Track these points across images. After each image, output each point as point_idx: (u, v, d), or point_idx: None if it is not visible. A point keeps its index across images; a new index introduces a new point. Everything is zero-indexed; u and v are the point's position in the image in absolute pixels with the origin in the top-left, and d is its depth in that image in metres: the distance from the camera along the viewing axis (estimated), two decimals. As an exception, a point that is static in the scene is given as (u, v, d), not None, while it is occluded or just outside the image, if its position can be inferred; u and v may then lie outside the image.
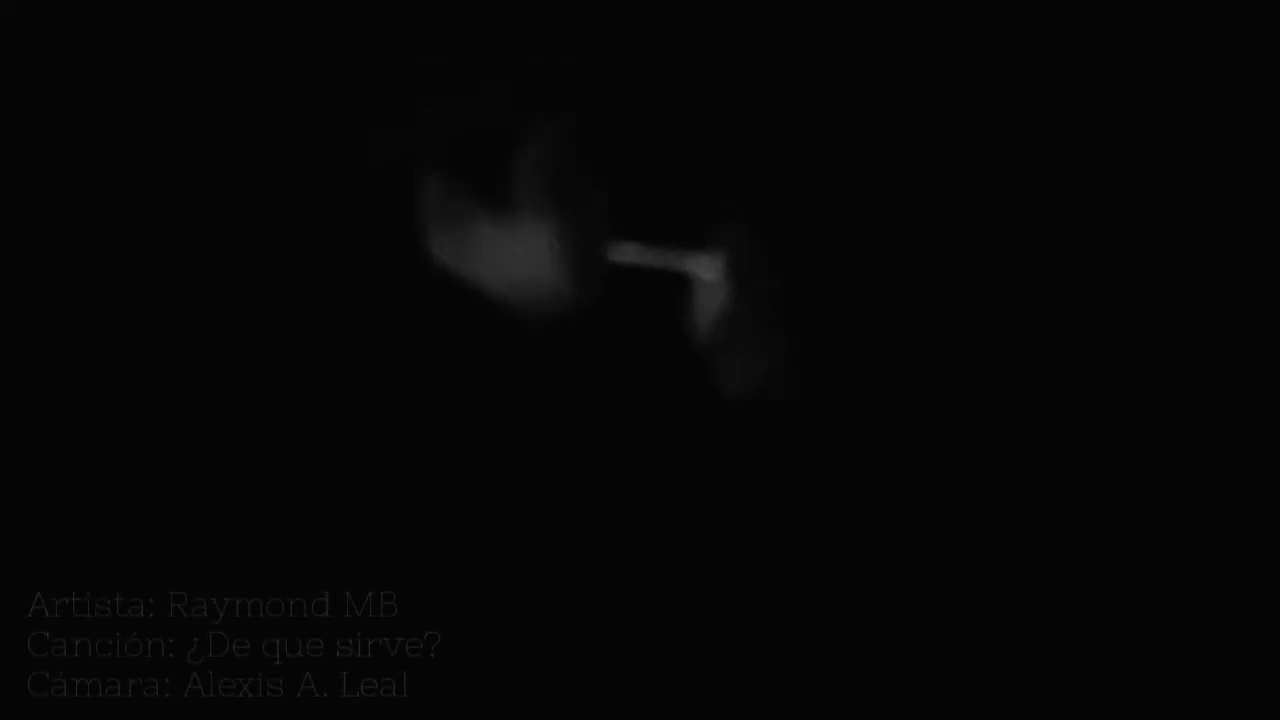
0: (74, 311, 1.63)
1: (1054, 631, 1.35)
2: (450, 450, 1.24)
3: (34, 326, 1.60)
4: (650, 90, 1.55)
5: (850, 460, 1.32)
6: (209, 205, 1.60)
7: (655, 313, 1.37)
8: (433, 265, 1.28)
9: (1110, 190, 1.52)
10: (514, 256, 1.28)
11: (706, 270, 1.34)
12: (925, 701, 1.32)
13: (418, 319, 1.32)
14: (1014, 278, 1.49)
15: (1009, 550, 1.37)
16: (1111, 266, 1.49)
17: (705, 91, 1.64)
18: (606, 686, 1.19)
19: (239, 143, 1.55)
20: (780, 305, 1.33)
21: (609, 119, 1.35)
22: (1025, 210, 1.50)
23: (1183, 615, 1.37)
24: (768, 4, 1.60)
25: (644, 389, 1.33)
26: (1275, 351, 1.47)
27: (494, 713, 1.19)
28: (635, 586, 1.21)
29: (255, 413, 1.56)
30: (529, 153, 1.29)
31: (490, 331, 1.28)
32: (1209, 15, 1.60)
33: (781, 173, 1.63)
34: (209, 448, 1.56)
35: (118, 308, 1.64)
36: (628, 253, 1.33)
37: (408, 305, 1.32)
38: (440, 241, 1.28)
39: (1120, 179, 1.52)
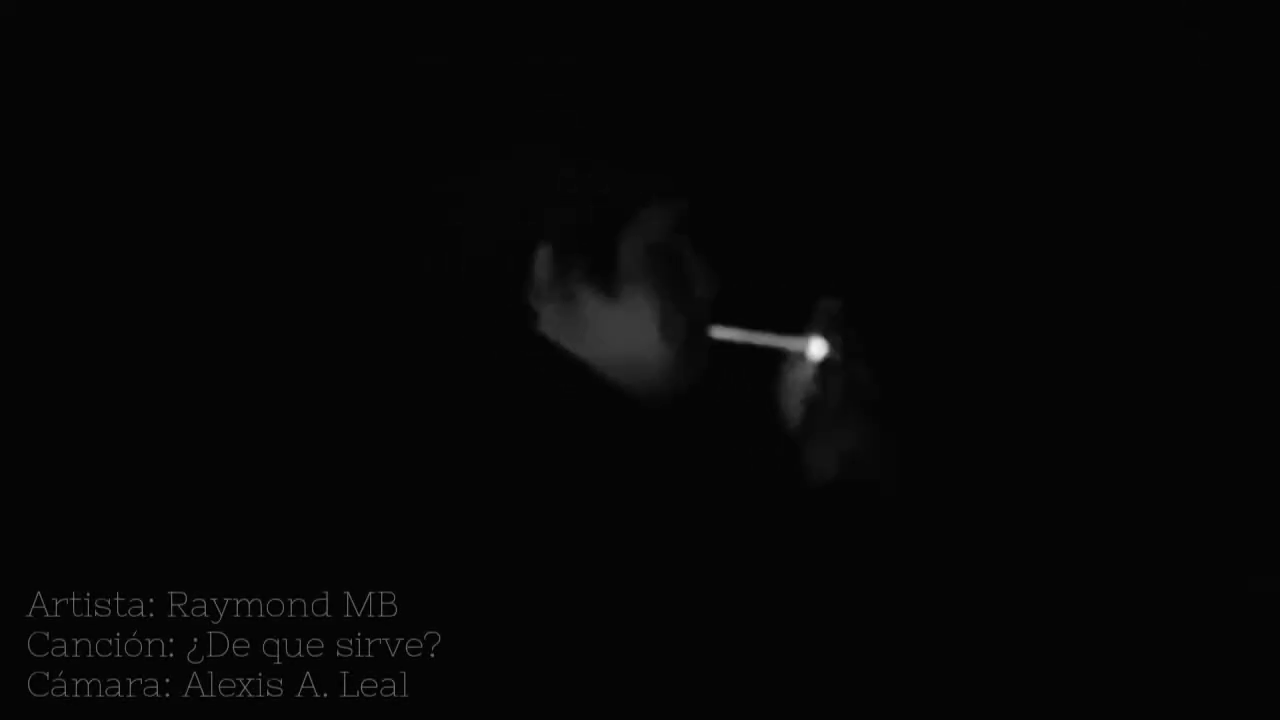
0: (76, 312, 1.63)
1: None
2: (458, 460, 1.24)
3: (37, 327, 1.60)
4: (755, 177, 1.58)
5: (936, 546, 1.33)
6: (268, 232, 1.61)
7: (754, 393, 1.39)
8: (536, 335, 1.30)
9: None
10: (619, 335, 1.30)
11: (805, 351, 1.36)
12: None
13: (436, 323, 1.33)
14: (1107, 369, 1.51)
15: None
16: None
17: (810, 176, 1.66)
18: (606, 687, 1.19)
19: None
20: (874, 390, 1.34)
21: (715, 204, 1.37)
22: (1120, 308, 1.53)
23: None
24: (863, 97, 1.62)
25: (726, 460, 1.35)
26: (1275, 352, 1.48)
27: (494, 713, 1.19)
28: (637, 592, 1.21)
29: (256, 415, 1.55)
30: (637, 234, 1.30)
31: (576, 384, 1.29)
32: (1208, 16, 1.60)
33: (877, 261, 1.65)
34: (209, 449, 1.56)
35: (120, 311, 1.64)
36: (730, 334, 1.36)
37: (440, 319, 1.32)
38: (548, 316, 1.30)
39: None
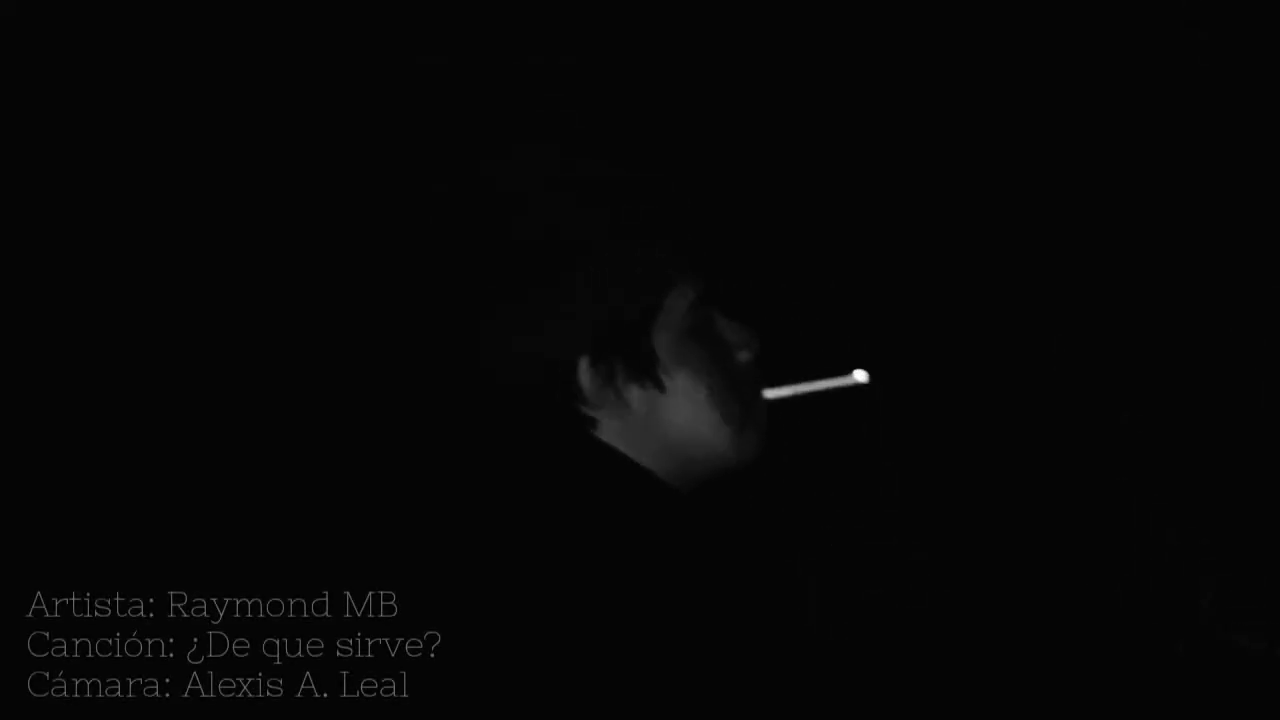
0: (75, 314, 1.63)
1: None
2: (455, 460, 1.25)
3: (36, 328, 1.60)
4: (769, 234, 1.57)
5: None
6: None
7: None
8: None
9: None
10: (678, 425, 1.30)
11: (854, 382, 1.36)
12: None
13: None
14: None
15: None
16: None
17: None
18: (606, 687, 1.19)
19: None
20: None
21: (731, 267, 1.36)
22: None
23: None
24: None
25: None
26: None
27: (494, 713, 1.19)
28: (635, 588, 1.21)
29: (256, 416, 1.55)
30: (667, 321, 1.30)
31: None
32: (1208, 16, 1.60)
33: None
34: (209, 449, 1.56)
35: (120, 312, 1.64)
36: (782, 391, 1.36)
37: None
38: (606, 424, 1.29)
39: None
